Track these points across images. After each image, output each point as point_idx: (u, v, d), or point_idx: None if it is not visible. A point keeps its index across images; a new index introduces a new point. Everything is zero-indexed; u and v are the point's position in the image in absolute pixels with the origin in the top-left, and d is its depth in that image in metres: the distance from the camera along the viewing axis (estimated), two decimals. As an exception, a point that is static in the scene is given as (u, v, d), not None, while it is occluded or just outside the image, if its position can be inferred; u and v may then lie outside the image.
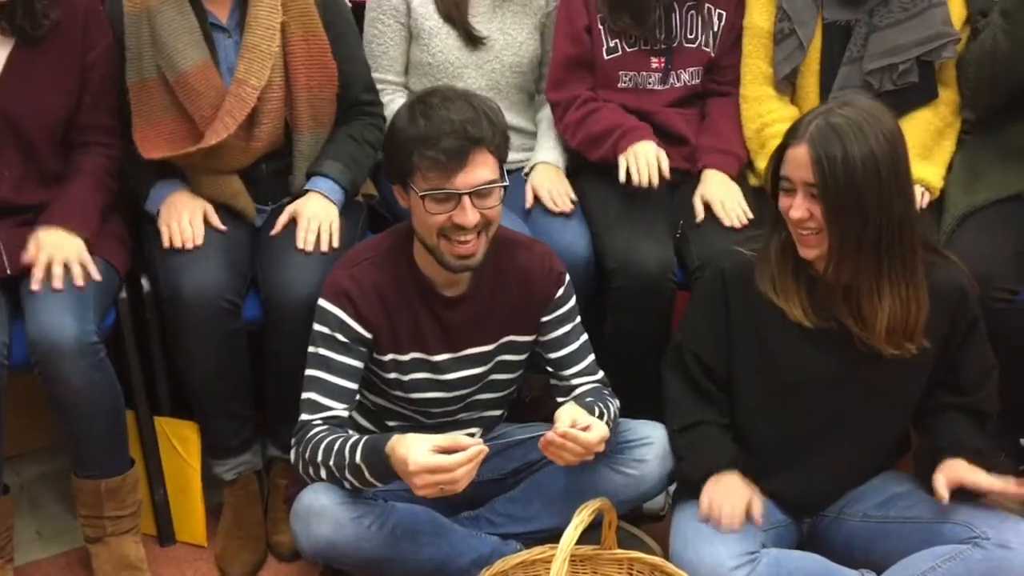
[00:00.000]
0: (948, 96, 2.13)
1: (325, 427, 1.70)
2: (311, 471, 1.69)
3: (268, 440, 2.10)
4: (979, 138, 2.16)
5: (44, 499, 2.23)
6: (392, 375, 1.80)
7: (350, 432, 1.70)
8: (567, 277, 1.85)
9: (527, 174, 2.21)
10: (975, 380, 1.75)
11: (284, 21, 1.95)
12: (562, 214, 2.11)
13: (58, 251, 1.81)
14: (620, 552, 1.73)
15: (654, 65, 2.18)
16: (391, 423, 1.87)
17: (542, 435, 1.62)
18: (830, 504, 1.81)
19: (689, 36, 2.18)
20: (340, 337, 1.72)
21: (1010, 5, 1.98)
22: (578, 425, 1.62)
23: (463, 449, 1.52)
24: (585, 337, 1.88)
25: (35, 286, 1.78)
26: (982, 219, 2.02)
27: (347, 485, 1.66)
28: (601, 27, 2.15)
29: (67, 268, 1.80)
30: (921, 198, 2.05)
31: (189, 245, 1.90)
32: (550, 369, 1.88)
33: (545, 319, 1.83)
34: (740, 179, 2.17)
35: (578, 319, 1.87)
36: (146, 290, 1.96)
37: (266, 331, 1.95)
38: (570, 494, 1.75)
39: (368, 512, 1.68)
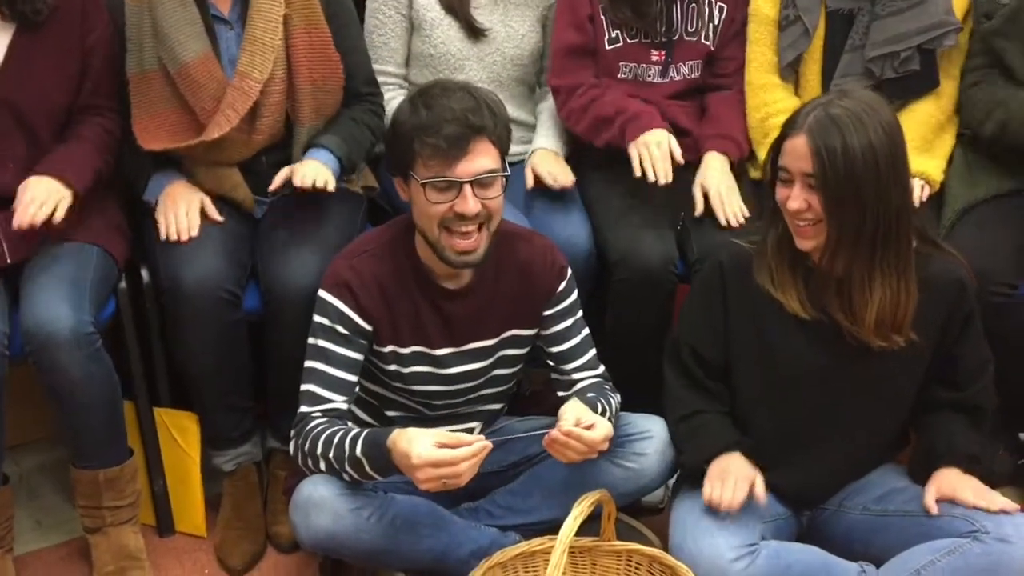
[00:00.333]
0: (949, 89, 2.13)
1: (325, 419, 1.70)
2: (310, 463, 1.69)
3: (268, 431, 2.10)
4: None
5: (43, 489, 2.23)
6: (392, 367, 1.79)
7: (350, 425, 1.70)
8: (569, 271, 1.85)
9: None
10: (971, 374, 1.75)
11: (286, 14, 1.94)
12: (562, 196, 2.10)
13: (47, 196, 1.79)
14: (619, 544, 1.73)
15: (654, 58, 2.18)
16: (392, 413, 1.87)
17: (543, 433, 1.62)
18: (829, 497, 1.81)
19: (689, 29, 2.18)
20: (340, 329, 1.72)
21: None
22: (582, 424, 1.62)
23: (466, 445, 1.52)
24: (587, 331, 1.88)
25: (17, 223, 1.76)
26: (982, 214, 2.03)
27: (346, 477, 1.66)
28: (603, 17, 2.15)
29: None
30: (921, 191, 2.05)
31: (184, 237, 1.90)
32: (551, 363, 1.88)
33: (547, 313, 1.83)
34: (740, 172, 2.17)
35: (580, 313, 1.87)
36: (146, 281, 1.95)
37: (266, 322, 1.95)
38: (570, 487, 1.75)
39: (367, 503, 1.68)
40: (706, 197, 2.07)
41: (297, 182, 1.88)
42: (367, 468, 1.61)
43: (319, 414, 1.71)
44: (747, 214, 2.04)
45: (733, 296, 1.75)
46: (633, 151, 2.03)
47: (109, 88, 1.97)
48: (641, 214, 2.05)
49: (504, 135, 1.66)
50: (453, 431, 1.59)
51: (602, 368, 1.88)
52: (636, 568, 1.73)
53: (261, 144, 1.99)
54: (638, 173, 2.00)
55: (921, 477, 1.74)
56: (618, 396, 1.83)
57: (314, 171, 1.91)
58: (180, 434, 2.03)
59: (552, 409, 1.71)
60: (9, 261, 1.84)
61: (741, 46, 2.20)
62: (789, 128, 1.61)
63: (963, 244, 1.81)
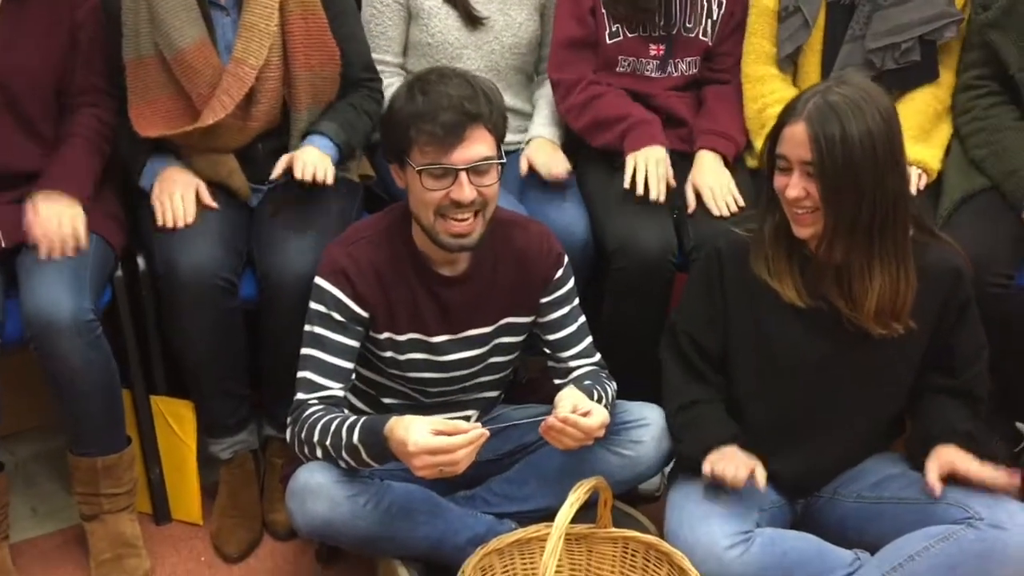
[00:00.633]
0: (948, 79, 2.13)
1: (321, 407, 1.70)
2: (307, 450, 1.69)
3: (264, 419, 2.10)
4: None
5: (39, 477, 2.24)
6: (388, 354, 1.79)
7: (346, 412, 1.70)
8: (566, 258, 1.84)
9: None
10: (966, 361, 1.75)
11: (282, 0, 1.94)
12: (558, 185, 2.10)
13: (60, 225, 1.81)
14: (615, 531, 1.73)
15: (652, 52, 2.18)
16: (388, 401, 1.87)
17: (540, 420, 1.62)
18: (824, 485, 1.81)
19: (688, 25, 2.18)
20: (336, 316, 1.72)
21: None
22: (579, 411, 1.62)
23: (463, 432, 1.53)
24: (583, 319, 1.88)
25: (43, 255, 1.79)
26: (979, 204, 2.02)
27: (343, 465, 1.66)
28: (604, 11, 2.15)
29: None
30: (919, 180, 2.05)
31: (180, 223, 1.90)
32: (548, 351, 1.88)
33: (544, 301, 1.83)
34: (737, 161, 2.17)
35: (576, 301, 1.87)
36: (141, 268, 1.95)
37: (262, 309, 1.95)
38: (566, 474, 1.74)
39: (364, 490, 1.68)
40: (698, 196, 2.07)
41: (298, 174, 1.88)
42: (364, 455, 1.61)
43: (315, 401, 1.71)
44: (741, 203, 2.04)
45: (730, 284, 1.75)
46: (630, 161, 2.04)
47: (101, 67, 1.96)
48: (640, 203, 2.05)
49: (500, 122, 1.66)
50: (450, 419, 1.59)
51: (598, 356, 1.88)
52: (632, 555, 1.73)
53: (257, 131, 1.99)
54: (628, 185, 2.01)
55: (918, 460, 1.73)
56: (614, 384, 1.83)
57: (314, 161, 1.91)
58: (176, 422, 2.03)
59: (548, 397, 1.71)
60: (4, 245, 1.83)
61: (739, 41, 2.20)
62: (787, 115, 1.60)
63: (960, 234, 1.81)
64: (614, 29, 2.16)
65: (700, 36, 2.19)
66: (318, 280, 1.74)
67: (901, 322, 1.65)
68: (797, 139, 1.58)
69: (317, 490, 1.66)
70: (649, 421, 1.81)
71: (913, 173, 2.00)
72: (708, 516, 1.66)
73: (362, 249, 1.74)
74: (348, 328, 1.73)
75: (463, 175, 1.61)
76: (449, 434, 1.52)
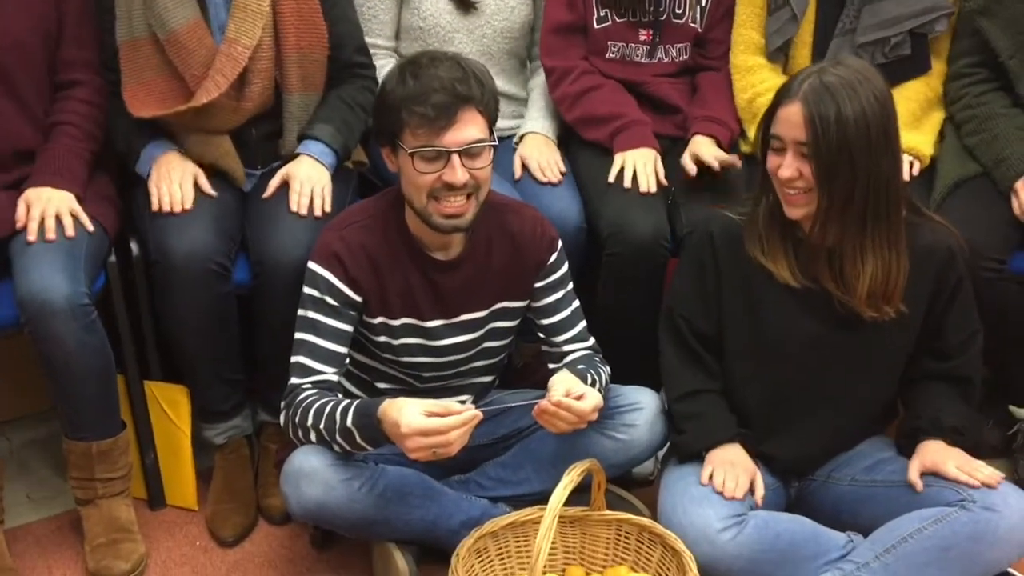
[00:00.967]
0: (939, 67, 2.13)
1: (315, 391, 1.70)
2: (301, 434, 1.69)
3: (258, 405, 2.10)
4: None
5: (34, 463, 2.24)
6: (382, 338, 1.79)
7: (340, 396, 1.70)
8: (559, 243, 1.85)
9: (517, 143, 2.21)
10: (959, 344, 1.76)
11: None
12: (550, 184, 2.10)
13: (49, 204, 1.82)
14: (609, 513, 1.74)
15: (642, 37, 2.18)
16: (382, 386, 1.87)
17: (533, 403, 1.62)
18: (818, 468, 1.82)
19: (677, 11, 2.18)
20: (329, 300, 1.72)
21: None
22: (572, 394, 1.62)
23: (455, 414, 1.53)
24: (577, 303, 1.88)
25: (31, 237, 1.79)
26: (973, 189, 2.02)
27: (337, 448, 1.66)
28: None
29: (59, 220, 1.81)
30: (911, 167, 2.05)
31: (178, 208, 1.89)
32: (542, 335, 1.88)
33: (538, 285, 1.83)
34: (732, 148, 2.16)
35: (570, 285, 1.87)
36: (135, 253, 1.95)
37: (255, 294, 1.94)
38: (560, 458, 1.75)
39: (358, 474, 1.69)
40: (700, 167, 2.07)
41: (293, 206, 1.91)
42: (358, 438, 1.61)
43: (309, 386, 1.71)
44: (739, 165, 2.04)
45: (724, 266, 1.75)
46: (618, 160, 2.05)
47: (91, 40, 1.95)
48: (633, 188, 2.05)
49: (492, 105, 1.66)
50: (443, 403, 1.59)
51: (592, 340, 1.89)
52: (626, 537, 1.73)
53: (250, 112, 1.98)
54: (612, 179, 2.03)
55: (907, 450, 1.75)
56: (608, 368, 1.83)
57: (311, 181, 1.93)
58: (171, 407, 2.03)
59: (542, 382, 1.71)
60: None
61: (729, 28, 2.19)
62: (783, 95, 1.60)
63: (953, 218, 1.81)
64: (602, 14, 2.16)
65: (689, 22, 2.19)
66: (311, 265, 1.74)
67: (892, 306, 1.65)
68: (792, 119, 1.58)
69: (312, 474, 1.66)
70: (643, 405, 1.81)
71: (905, 160, 2.00)
72: (701, 499, 1.67)
73: (355, 233, 1.74)
74: (341, 312, 1.73)
75: (455, 157, 1.61)
76: (441, 415, 1.52)
